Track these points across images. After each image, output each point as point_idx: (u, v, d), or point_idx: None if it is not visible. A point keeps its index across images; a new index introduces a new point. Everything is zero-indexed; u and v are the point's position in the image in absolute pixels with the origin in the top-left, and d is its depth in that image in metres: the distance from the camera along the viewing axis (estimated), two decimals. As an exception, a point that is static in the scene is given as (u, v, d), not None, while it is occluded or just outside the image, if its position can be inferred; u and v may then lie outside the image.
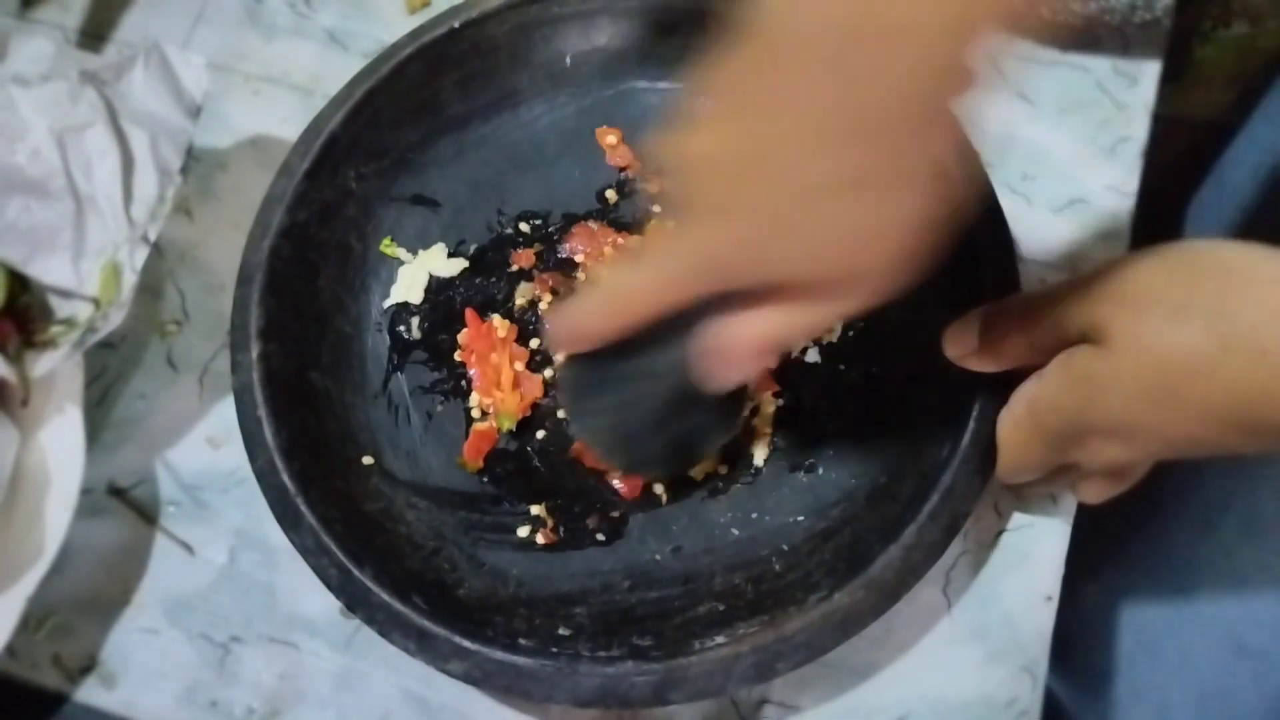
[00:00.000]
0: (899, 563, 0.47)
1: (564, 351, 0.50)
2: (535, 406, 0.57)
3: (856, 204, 0.35)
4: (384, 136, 0.59)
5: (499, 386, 0.57)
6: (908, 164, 0.35)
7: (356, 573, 0.48)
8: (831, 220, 0.36)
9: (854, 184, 0.35)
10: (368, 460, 0.55)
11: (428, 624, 0.47)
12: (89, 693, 0.56)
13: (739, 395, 0.49)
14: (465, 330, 0.58)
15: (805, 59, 0.34)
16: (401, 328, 0.59)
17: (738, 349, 0.40)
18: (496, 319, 0.58)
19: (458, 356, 0.58)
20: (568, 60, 0.61)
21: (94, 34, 0.71)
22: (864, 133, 0.34)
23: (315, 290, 0.57)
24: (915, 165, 0.35)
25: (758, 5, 0.34)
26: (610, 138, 0.61)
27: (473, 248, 0.61)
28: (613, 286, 0.41)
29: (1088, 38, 0.64)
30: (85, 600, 0.57)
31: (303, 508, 0.50)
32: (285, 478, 0.50)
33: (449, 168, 0.61)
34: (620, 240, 0.60)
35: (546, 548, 0.54)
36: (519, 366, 0.57)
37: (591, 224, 0.60)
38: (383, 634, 0.48)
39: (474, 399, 0.57)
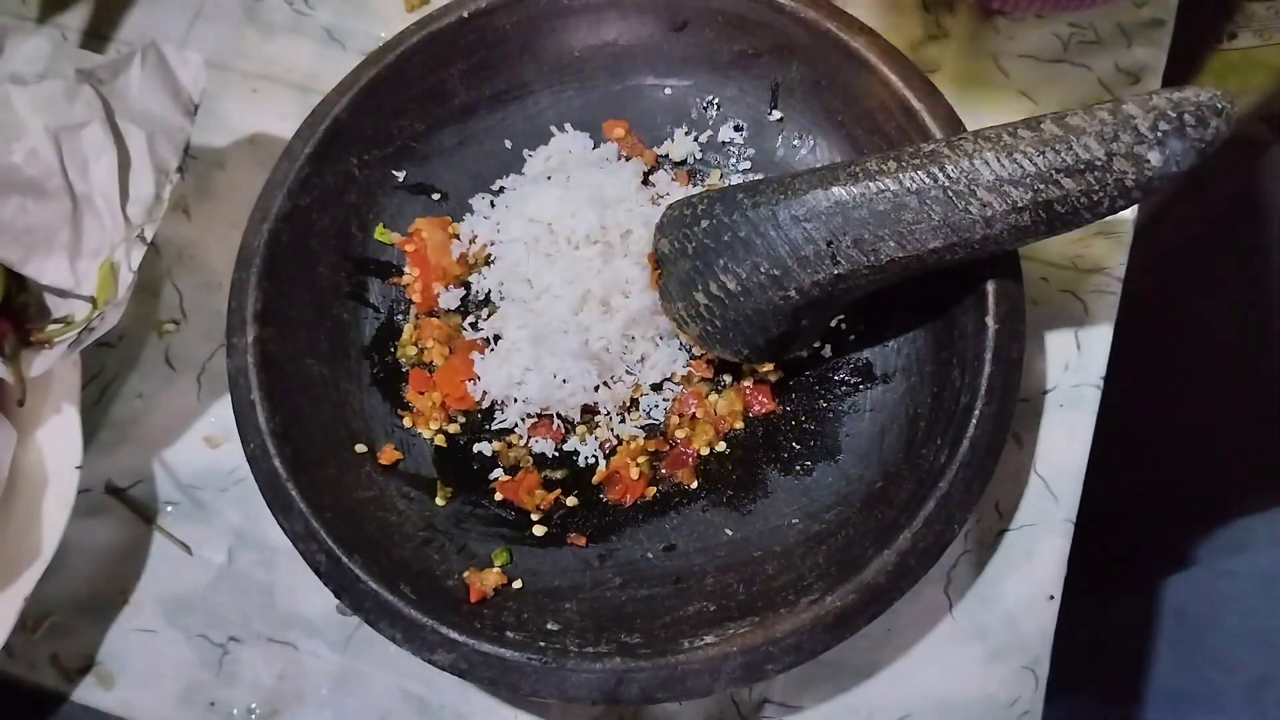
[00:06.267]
0: (892, 567, 0.47)
1: None
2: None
3: None
4: (388, 124, 0.59)
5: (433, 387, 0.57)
6: None
7: (345, 560, 0.48)
8: None
9: None
10: (360, 448, 0.54)
11: (415, 614, 0.47)
12: (87, 692, 0.56)
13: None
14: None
15: None
16: (399, 316, 0.59)
17: None
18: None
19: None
20: (576, 54, 0.61)
21: (95, 33, 0.71)
22: None
23: (314, 276, 0.57)
24: None
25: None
26: (618, 130, 0.61)
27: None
28: None
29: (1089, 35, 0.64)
30: (83, 600, 0.57)
31: (293, 493, 0.50)
32: (277, 463, 0.50)
33: (453, 157, 0.61)
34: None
35: (537, 542, 0.54)
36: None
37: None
38: (370, 622, 0.48)
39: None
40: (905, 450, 0.52)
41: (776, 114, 0.60)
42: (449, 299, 0.59)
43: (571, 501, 0.55)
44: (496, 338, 0.58)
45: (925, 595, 0.54)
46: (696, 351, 0.57)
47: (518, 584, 0.51)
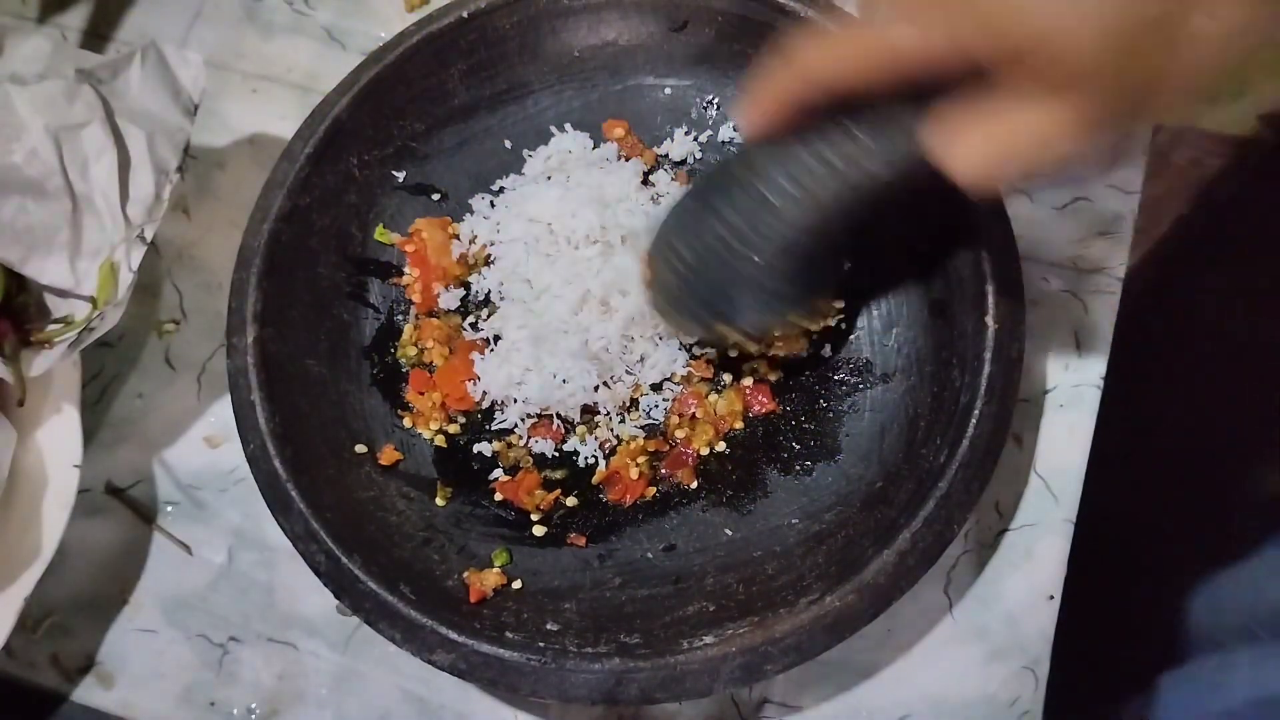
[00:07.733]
0: (892, 568, 0.47)
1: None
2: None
3: None
4: (388, 124, 0.59)
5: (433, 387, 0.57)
6: None
7: (345, 560, 0.48)
8: None
9: None
10: (360, 449, 0.54)
11: (415, 614, 0.47)
12: (87, 692, 0.56)
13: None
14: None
15: None
16: (399, 316, 0.59)
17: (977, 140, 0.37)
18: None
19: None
20: (576, 54, 0.61)
21: (95, 33, 0.71)
22: None
23: (314, 276, 0.57)
24: None
25: None
26: (618, 130, 0.61)
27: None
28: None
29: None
30: (83, 600, 0.57)
31: (293, 493, 0.50)
32: (277, 463, 0.50)
33: (453, 158, 0.61)
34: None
35: (537, 542, 0.54)
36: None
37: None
38: (369, 623, 0.48)
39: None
40: (905, 450, 0.52)
41: (776, 114, 0.60)
42: (449, 299, 0.59)
43: (571, 501, 0.55)
44: (496, 338, 0.58)
45: (925, 595, 0.54)
46: (697, 351, 0.57)
47: (517, 584, 0.51)
